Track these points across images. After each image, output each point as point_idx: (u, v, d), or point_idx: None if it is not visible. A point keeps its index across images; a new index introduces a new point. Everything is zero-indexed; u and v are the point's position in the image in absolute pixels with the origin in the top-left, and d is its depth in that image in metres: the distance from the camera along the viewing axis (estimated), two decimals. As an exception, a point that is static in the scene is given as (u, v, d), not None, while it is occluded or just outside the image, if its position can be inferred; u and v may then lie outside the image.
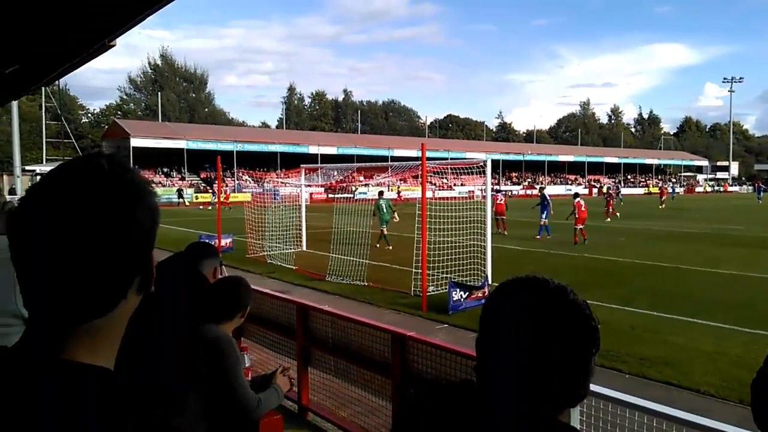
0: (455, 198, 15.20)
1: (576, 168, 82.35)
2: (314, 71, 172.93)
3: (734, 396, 5.65)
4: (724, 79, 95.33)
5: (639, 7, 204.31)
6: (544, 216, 21.05)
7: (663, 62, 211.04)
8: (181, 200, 43.97)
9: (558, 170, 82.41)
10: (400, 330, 4.52)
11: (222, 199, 43.16)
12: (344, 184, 22.19)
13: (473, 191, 30.11)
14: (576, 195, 20.87)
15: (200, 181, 54.22)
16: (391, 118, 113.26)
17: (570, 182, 77.65)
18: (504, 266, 13.39)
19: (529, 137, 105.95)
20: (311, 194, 38.84)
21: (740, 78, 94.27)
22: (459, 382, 1.10)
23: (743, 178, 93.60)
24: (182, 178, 53.69)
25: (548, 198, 21.90)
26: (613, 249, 17.70)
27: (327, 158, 51.85)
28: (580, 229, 19.13)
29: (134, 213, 0.76)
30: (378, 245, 16.49)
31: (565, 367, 0.95)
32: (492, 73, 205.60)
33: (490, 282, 11.00)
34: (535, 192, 51.29)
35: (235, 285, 2.94)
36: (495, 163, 69.94)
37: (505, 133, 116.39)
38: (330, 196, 32.61)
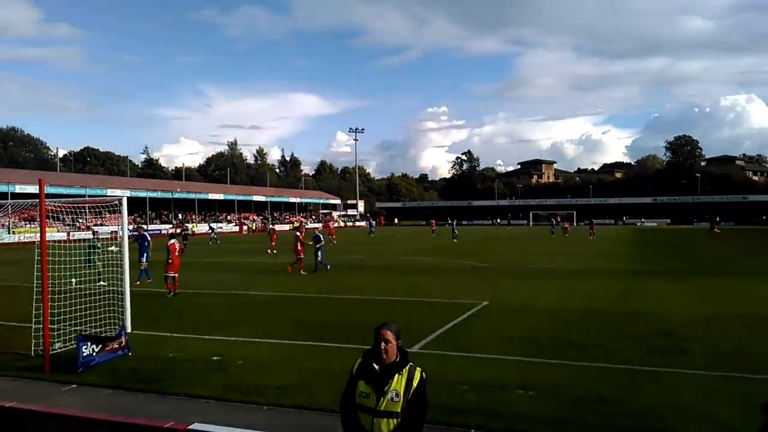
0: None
1: (226, 206, 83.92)
2: None
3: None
4: (350, 129, 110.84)
5: (280, 57, 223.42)
6: (143, 259, 19.31)
7: (302, 110, 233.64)
8: None
9: (209, 208, 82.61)
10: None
11: None
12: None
13: (117, 232, 27.76)
14: (171, 236, 19.27)
15: None
16: (12, 149, 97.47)
17: (221, 220, 78.71)
18: (145, 311, 12.72)
19: (179, 175, 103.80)
20: None
21: (362, 129, 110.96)
22: None
23: (368, 214, 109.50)
24: None
25: (149, 238, 20.12)
26: (254, 284, 18.49)
27: None
28: (173, 277, 16.26)
29: None
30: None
31: None
32: (138, 106, 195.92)
33: (129, 330, 10.23)
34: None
35: None
36: (141, 201, 66.29)
37: (152, 169, 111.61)
38: None
